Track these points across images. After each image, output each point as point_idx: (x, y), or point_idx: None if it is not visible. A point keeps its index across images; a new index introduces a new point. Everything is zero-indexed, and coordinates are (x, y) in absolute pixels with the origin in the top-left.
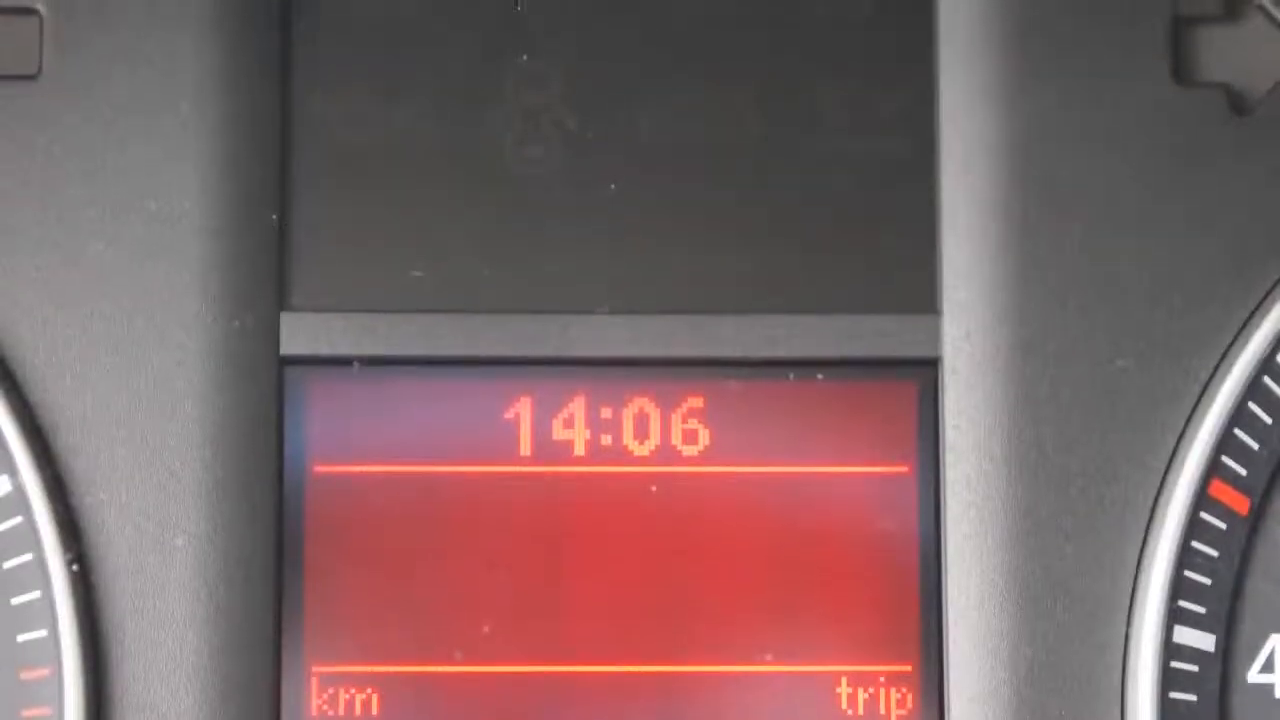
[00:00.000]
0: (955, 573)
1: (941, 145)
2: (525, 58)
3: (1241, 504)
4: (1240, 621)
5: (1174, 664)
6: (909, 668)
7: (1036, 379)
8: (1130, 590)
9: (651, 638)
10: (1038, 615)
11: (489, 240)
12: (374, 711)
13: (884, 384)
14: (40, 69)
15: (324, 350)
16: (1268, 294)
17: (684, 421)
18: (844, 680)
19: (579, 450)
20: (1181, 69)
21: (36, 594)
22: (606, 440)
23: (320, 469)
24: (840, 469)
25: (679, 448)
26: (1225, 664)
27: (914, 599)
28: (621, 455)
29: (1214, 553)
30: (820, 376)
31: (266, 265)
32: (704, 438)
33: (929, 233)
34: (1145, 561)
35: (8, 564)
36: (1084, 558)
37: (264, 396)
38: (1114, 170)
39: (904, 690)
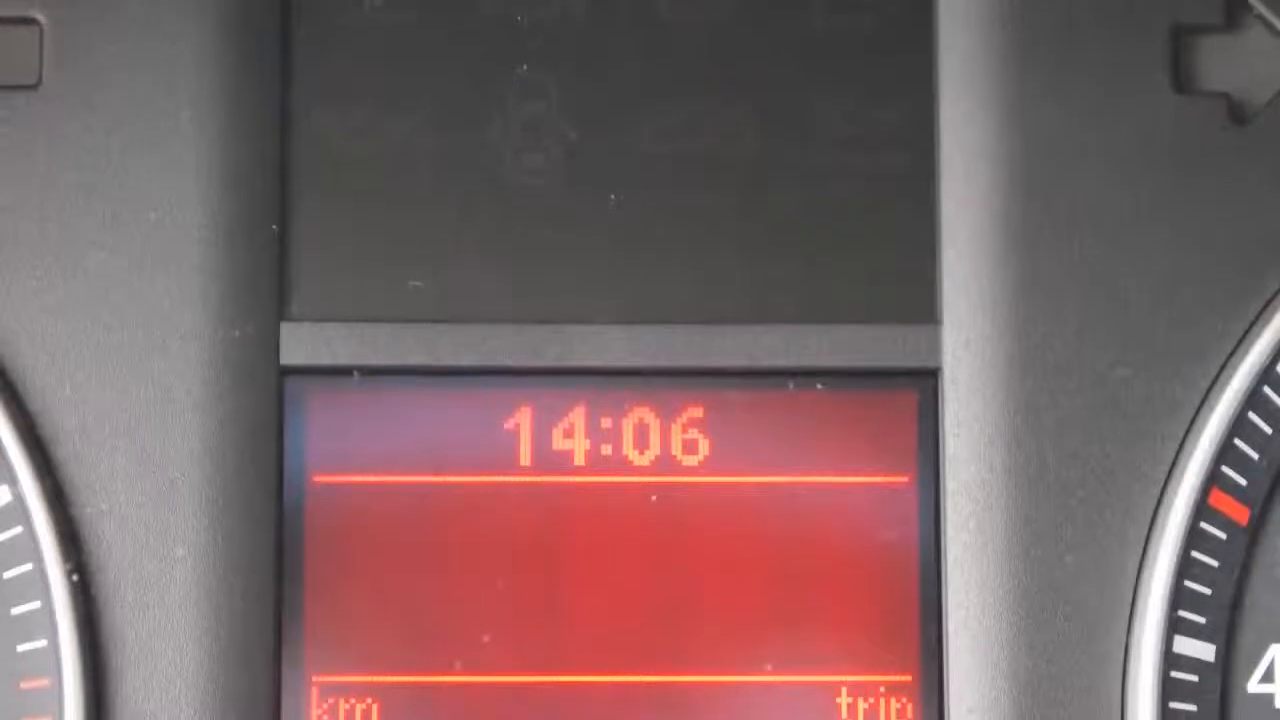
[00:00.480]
0: (955, 583)
1: (941, 156)
2: (525, 68)
3: (1241, 514)
4: (1240, 632)
5: (1174, 674)
6: (909, 678)
7: (1036, 389)
8: (1130, 600)
9: (651, 648)
10: (1038, 625)
11: (488, 250)
12: None
13: (884, 394)
14: (40, 79)
15: (324, 360)
16: (1268, 304)
17: (684, 431)
18: (844, 690)
19: (579, 460)
20: (1182, 79)
21: (36, 604)
22: (606, 450)
23: (320, 479)
24: (840, 479)
25: (679, 458)
26: (1225, 674)
27: (914, 609)
28: (621, 465)
29: (1214, 563)
30: (820, 386)
31: (266, 275)
32: (704, 447)
33: (929, 243)
34: (1145, 571)
35: (7, 574)
36: (1084, 567)
37: (264, 406)
38: (1114, 180)
39: (904, 700)
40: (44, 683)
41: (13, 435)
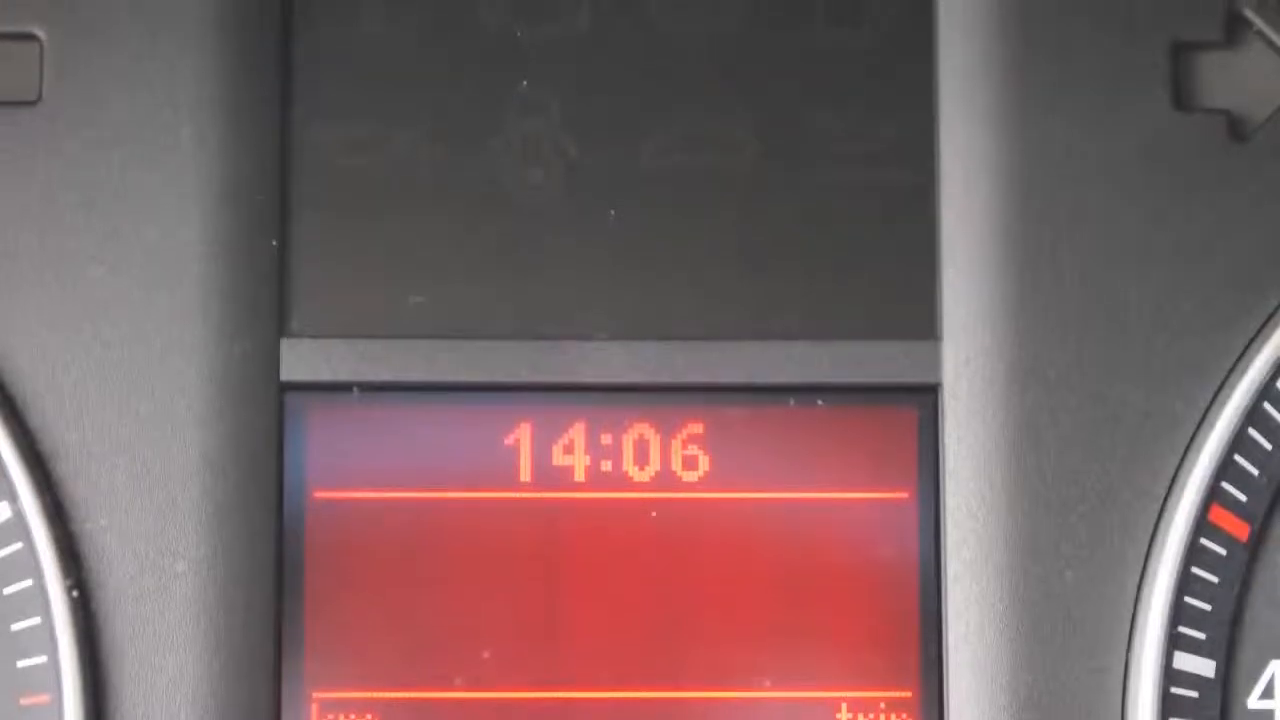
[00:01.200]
0: (955, 599)
1: (942, 172)
2: (525, 84)
3: (1241, 530)
4: (1240, 648)
5: (1174, 690)
6: (909, 694)
7: (1037, 405)
8: (1130, 616)
9: (651, 664)
10: (1038, 641)
11: (489, 266)
12: None
13: (884, 410)
14: (40, 95)
15: (324, 376)
16: (1268, 320)
17: (684, 447)
18: (844, 706)
19: (579, 476)
20: (1181, 95)
21: (36, 620)
22: (606, 466)
23: (320, 494)
24: (840, 495)
25: (679, 474)
26: (1225, 690)
27: (914, 625)
28: (621, 481)
29: (1214, 579)
30: (820, 402)
31: (266, 291)
32: (704, 464)
33: (929, 258)
34: (1145, 587)
35: (7, 590)
36: (1084, 584)
37: (264, 422)
38: (1114, 196)
39: (904, 716)
40: (44, 699)
41: (12, 451)
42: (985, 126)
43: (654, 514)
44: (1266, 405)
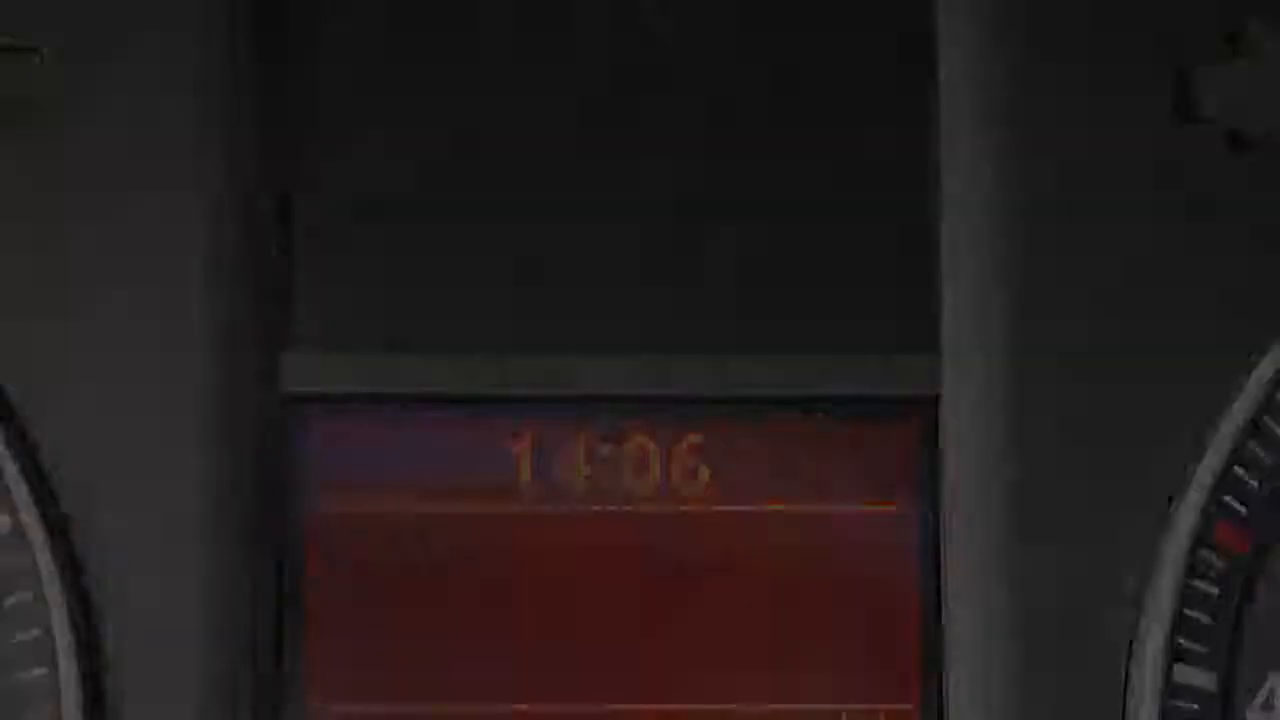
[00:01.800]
0: (955, 610)
1: (942, 184)
2: (525, 95)
3: (1242, 543)
4: (1241, 660)
5: (1174, 702)
6: (909, 706)
7: (1036, 417)
8: (1132, 628)
9: (652, 676)
10: (1037, 654)
11: (490, 279)
12: None
13: (884, 422)
14: (41, 109)
15: (325, 389)
16: (1268, 331)
17: (684, 460)
18: (844, 718)
19: (579, 489)
20: (1182, 108)
21: (37, 632)
22: (607, 479)
23: (322, 508)
24: (840, 507)
25: (679, 486)
26: (1226, 702)
27: (914, 637)
28: (622, 494)
29: (1215, 591)
30: (820, 415)
31: (269, 304)
32: (704, 475)
33: (929, 272)
34: (1146, 600)
35: (8, 602)
36: (1084, 596)
37: (266, 435)
38: (1115, 209)
39: None
40: (44, 711)
41: (14, 464)
42: (986, 139)
43: (654, 526)
44: (1267, 419)
